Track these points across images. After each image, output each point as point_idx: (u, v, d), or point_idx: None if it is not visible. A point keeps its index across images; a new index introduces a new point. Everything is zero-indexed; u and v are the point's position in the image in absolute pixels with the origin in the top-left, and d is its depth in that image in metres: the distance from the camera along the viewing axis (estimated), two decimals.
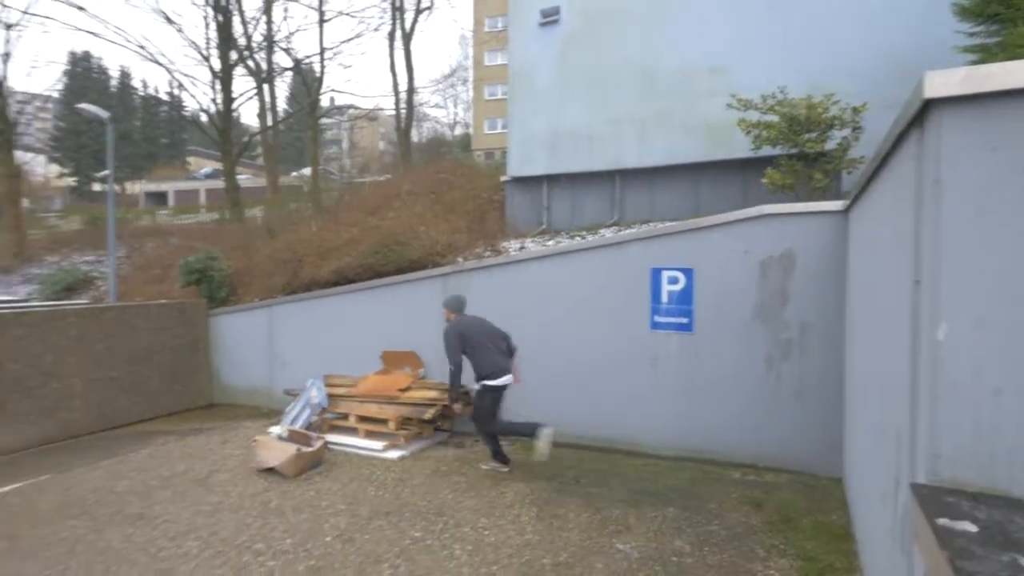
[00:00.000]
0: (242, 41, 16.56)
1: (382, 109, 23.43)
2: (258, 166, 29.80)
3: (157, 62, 26.06)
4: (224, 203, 17.21)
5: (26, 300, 10.45)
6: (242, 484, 5.06)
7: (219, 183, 21.23)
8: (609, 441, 5.78)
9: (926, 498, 1.49)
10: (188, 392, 8.48)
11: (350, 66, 62.88)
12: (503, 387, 5.22)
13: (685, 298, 5.39)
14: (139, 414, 7.76)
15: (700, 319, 5.34)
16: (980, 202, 1.48)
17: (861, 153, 5.71)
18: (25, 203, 19.26)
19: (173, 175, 38.40)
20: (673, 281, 5.44)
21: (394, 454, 5.72)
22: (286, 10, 28.27)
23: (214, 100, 16.09)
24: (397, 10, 17.72)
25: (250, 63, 17.67)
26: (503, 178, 10.32)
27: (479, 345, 5.19)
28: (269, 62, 18.66)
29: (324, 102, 25.15)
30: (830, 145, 5.98)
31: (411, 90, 18.11)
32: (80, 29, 40.88)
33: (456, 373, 5.18)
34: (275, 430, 5.86)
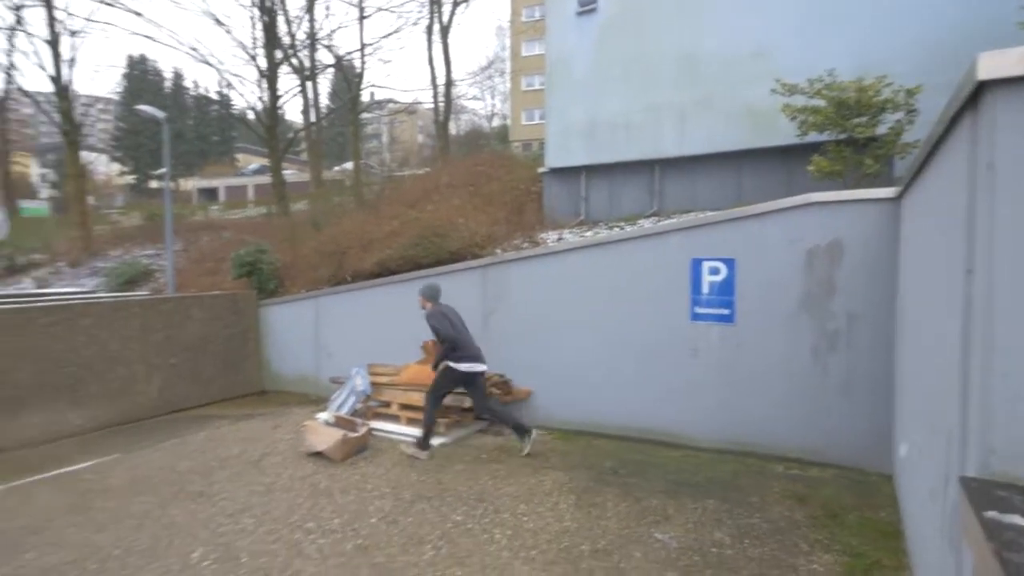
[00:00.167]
0: (286, 40, 17.02)
1: (421, 103, 23.61)
2: (302, 161, 30.68)
3: (208, 63, 27.16)
4: (271, 198, 17.83)
5: (93, 292, 11.15)
6: (292, 467, 5.31)
7: (266, 178, 22.01)
8: (647, 432, 5.77)
9: (975, 492, 1.47)
10: (240, 379, 8.90)
11: (389, 61, 63.75)
12: (470, 373, 5.45)
13: (726, 289, 5.30)
14: (196, 399, 8.21)
15: (742, 310, 5.25)
16: None
17: (916, 137, 5.46)
18: (90, 201, 20.42)
19: (223, 171, 39.97)
20: (714, 272, 5.36)
21: (435, 441, 5.87)
22: (327, 8, 28.97)
23: (261, 98, 16.61)
24: (435, 3, 17.84)
25: (294, 61, 18.15)
26: (541, 169, 10.33)
27: (460, 330, 5.54)
28: (312, 60, 19.10)
29: (364, 97, 25.63)
30: (881, 129, 5.73)
31: (449, 83, 18.25)
32: (137, 34, 42.88)
33: (450, 348, 5.42)
34: (322, 416, 6.10)
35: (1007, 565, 1.12)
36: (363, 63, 18.14)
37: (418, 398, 6.30)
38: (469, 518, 4.12)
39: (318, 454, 5.48)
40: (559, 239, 8.09)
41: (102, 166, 41.04)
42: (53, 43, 15.72)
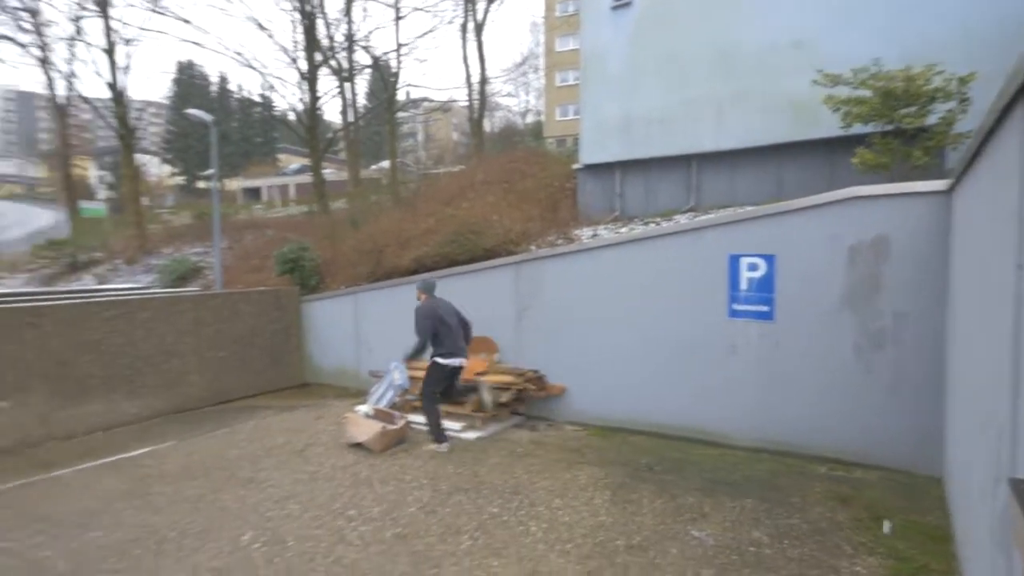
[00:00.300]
0: (325, 42, 17.42)
1: (455, 101, 23.85)
2: (341, 160, 31.38)
3: (251, 67, 28.13)
4: (311, 196, 18.33)
5: (148, 288, 11.73)
6: (334, 457, 5.50)
7: (306, 178, 22.63)
8: (683, 430, 5.72)
9: None
10: (284, 372, 9.22)
11: (425, 60, 64.38)
12: (453, 368, 5.67)
13: (766, 285, 5.20)
14: (243, 390, 8.56)
15: (782, 307, 5.14)
16: None
17: (969, 127, 5.22)
18: (143, 201, 21.43)
19: (265, 171, 41.26)
20: (753, 268, 5.27)
21: (471, 435, 5.98)
22: (365, 10, 29.52)
23: (301, 100, 17.09)
24: (469, 1, 17.96)
25: (333, 63, 18.57)
26: (575, 166, 10.30)
27: (446, 327, 5.62)
28: (350, 61, 19.50)
29: (400, 97, 26.04)
30: (932, 120, 5.49)
31: (483, 80, 18.36)
32: (186, 40, 44.64)
33: (421, 348, 5.58)
34: (362, 408, 6.28)
35: None
36: (399, 63, 18.46)
37: None
38: (505, 510, 4.19)
39: (358, 445, 5.65)
40: (594, 235, 8.07)
41: (154, 168, 42.95)
42: (109, 51, 16.54)
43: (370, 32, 35.29)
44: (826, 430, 4.97)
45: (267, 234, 15.37)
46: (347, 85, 19.38)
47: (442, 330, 5.62)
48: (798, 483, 4.57)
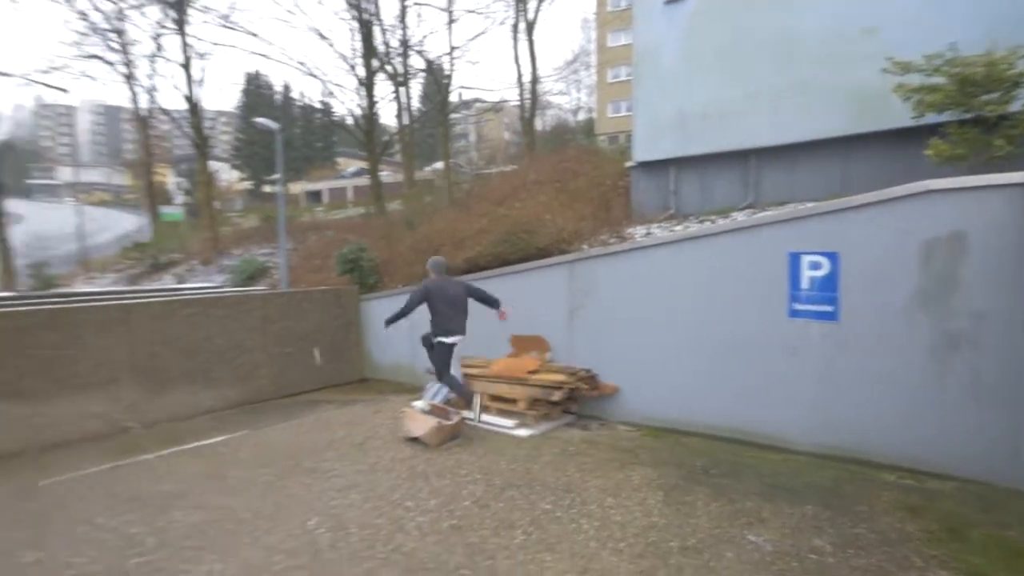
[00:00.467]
0: (382, 48, 17.98)
1: (507, 101, 24.02)
2: (396, 163, 32.27)
3: (313, 75, 29.42)
4: (369, 198, 18.98)
5: (221, 287, 12.52)
6: (392, 450, 5.72)
7: (364, 180, 23.44)
8: (740, 432, 5.58)
9: None
10: (344, 368, 9.63)
11: (477, 62, 65.07)
12: (451, 344, 6.25)
13: (829, 284, 5.00)
14: (306, 385, 9.00)
15: (847, 307, 4.93)
16: None
17: None
18: (216, 205, 22.82)
19: (326, 175, 43.01)
20: (815, 266, 5.07)
21: (524, 432, 6.06)
22: (419, 15, 30.20)
23: (359, 105, 17.75)
24: (520, 1, 18.05)
25: (388, 68, 19.15)
26: (628, 163, 10.19)
27: (439, 308, 6.15)
28: (405, 66, 20.03)
29: (452, 98, 26.48)
30: (1015, 106, 5.11)
31: (535, 79, 18.41)
32: (254, 53, 47.10)
33: (399, 315, 6.18)
34: (418, 404, 6.50)
35: None
36: (452, 66, 18.77)
37: (507, 389, 6.52)
38: (557, 507, 4.24)
39: (415, 439, 5.85)
40: (647, 234, 7.98)
41: (224, 174, 45.60)
42: (186, 66, 17.74)
43: (424, 37, 35.98)
44: (896, 437, 4.73)
45: (328, 235, 16.06)
46: (402, 89, 19.92)
47: (438, 308, 6.14)
48: (864, 491, 4.38)
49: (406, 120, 19.56)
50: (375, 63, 17.46)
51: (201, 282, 14.38)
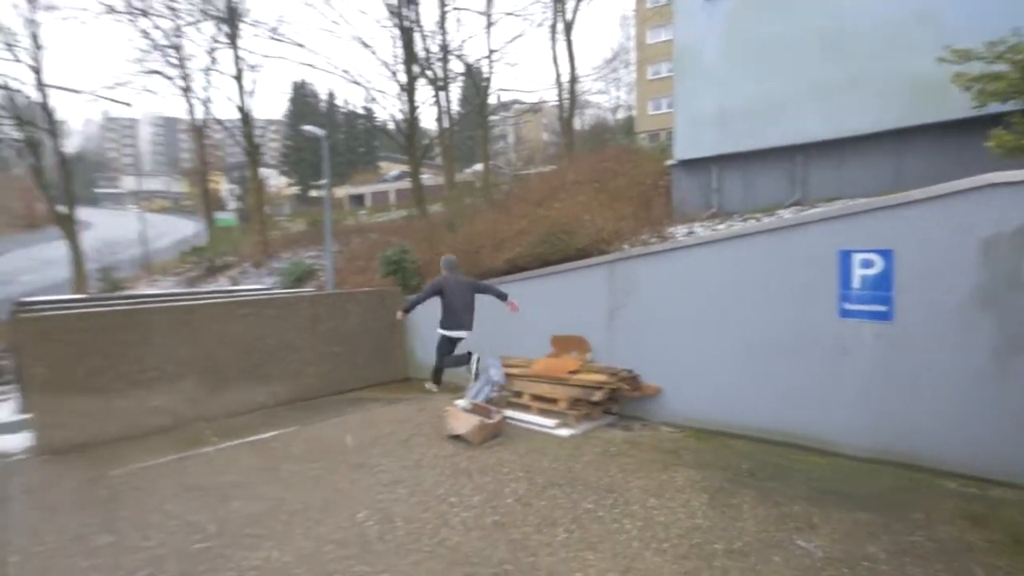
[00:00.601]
0: (422, 54, 18.35)
1: (545, 101, 24.06)
2: (436, 165, 32.81)
3: (357, 83, 30.16)
4: (410, 201, 19.37)
5: (272, 289, 13.05)
6: (436, 447, 5.85)
7: (406, 183, 23.90)
8: (788, 435, 5.44)
9: None
10: (388, 367, 9.87)
11: (516, 64, 65.36)
12: (454, 338, 7.00)
13: (882, 283, 4.83)
14: (353, 383, 9.28)
15: (902, 306, 4.75)
16: None
17: None
18: (266, 210, 23.76)
19: (368, 179, 44.07)
20: (867, 264, 4.90)
21: (565, 432, 6.09)
22: (459, 20, 30.65)
23: (401, 110, 18.17)
24: (558, 1, 18.05)
25: (429, 73, 19.51)
26: (669, 162, 10.07)
27: (448, 303, 6.78)
28: (444, 70, 20.36)
29: (491, 100, 26.71)
30: None
31: (573, 79, 18.38)
32: (301, 63, 48.77)
33: (414, 303, 6.99)
34: (460, 403, 6.61)
35: None
36: (490, 68, 18.96)
37: (548, 389, 6.57)
38: (599, 507, 4.25)
39: (458, 437, 5.96)
40: (689, 233, 7.87)
41: (273, 180, 47.43)
42: (238, 78, 18.55)
43: (463, 41, 36.48)
44: (956, 442, 4.52)
45: (371, 238, 16.49)
46: (442, 94, 20.26)
47: (447, 303, 6.80)
48: (922, 498, 4.21)
49: (446, 123, 19.86)
50: (416, 69, 17.82)
51: (253, 284, 15.02)
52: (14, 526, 4.36)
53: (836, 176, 7.77)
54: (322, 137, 12.81)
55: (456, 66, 27.11)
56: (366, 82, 41.73)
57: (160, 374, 7.08)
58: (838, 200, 7.22)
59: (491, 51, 18.59)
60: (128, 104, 33.93)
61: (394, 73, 18.59)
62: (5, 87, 17.01)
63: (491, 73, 19.02)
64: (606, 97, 45.63)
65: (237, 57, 18.66)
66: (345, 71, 41.21)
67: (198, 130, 23.33)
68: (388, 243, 12.73)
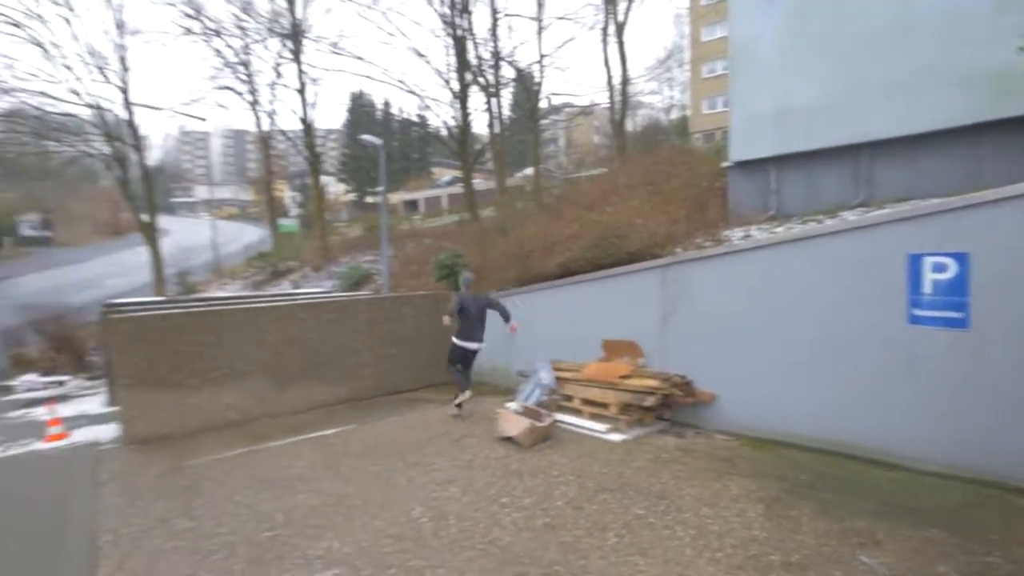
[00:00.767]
0: (474, 61, 18.67)
1: (597, 104, 23.92)
2: (488, 170, 33.24)
3: (412, 92, 31.02)
4: (462, 206, 19.72)
5: (331, 292, 13.61)
6: (487, 448, 5.96)
7: (457, 189, 24.34)
8: (849, 447, 5.21)
9: None
10: (441, 369, 10.07)
11: (567, 68, 65.30)
12: (467, 350, 7.38)
13: (957, 288, 4.56)
14: (407, 384, 9.56)
15: (979, 313, 4.46)
16: None
17: None
18: (325, 217, 24.77)
19: (421, 185, 45.13)
20: (939, 268, 4.64)
21: (616, 437, 6.07)
22: (510, 27, 30.96)
23: (453, 117, 18.57)
24: (610, 3, 17.93)
25: (481, 80, 19.84)
26: (724, 163, 9.82)
27: (464, 316, 7.23)
28: (496, 77, 20.63)
29: (542, 105, 26.80)
30: None
31: (625, 81, 18.19)
32: (359, 75, 50.67)
33: (450, 314, 7.39)
34: (512, 405, 6.70)
35: None
36: (541, 73, 19.04)
37: (599, 394, 6.56)
38: (650, 513, 4.23)
39: (508, 439, 6.05)
40: (745, 236, 7.66)
41: (332, 187, 49.37)
42: (301, 91, 19.49)
43: (515, 48, 36.81)
44: None
45: (425, 242, 16.90)
46: (493, 100, 20.54)
47: (462, 317, 7.22)
48: (999, 517, 3.94)
49: (497, 129, 20.11)
50: (468, 76, 18.17)
51: (313, 287, 15.71)
52: (105, 508, 4.79)
53: (905, 175, 7.35)
54: (379, 145, 13.27)
55: (507, 72, 27.42)
56: (420, 91, 42.86)
57: (230, 372, 7.55)
58: (908, 201, 6.85)
59: (542, 56, 18.69)
60: (203, 119, 36.45)
61: (447, 81, 19.03)
62: (97, 106, 18.60)
63: (542, 77, 19.15)
64: (659, 97, 44.85)
65: (300, 71, 19.65)
66: (400, 81, 42.56)
67: (264, 141, 24.66)
68: (441, 247, 13.04)
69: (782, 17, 8.66)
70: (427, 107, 41.20)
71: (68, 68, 19.82)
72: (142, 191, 20.66)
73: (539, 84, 19.41)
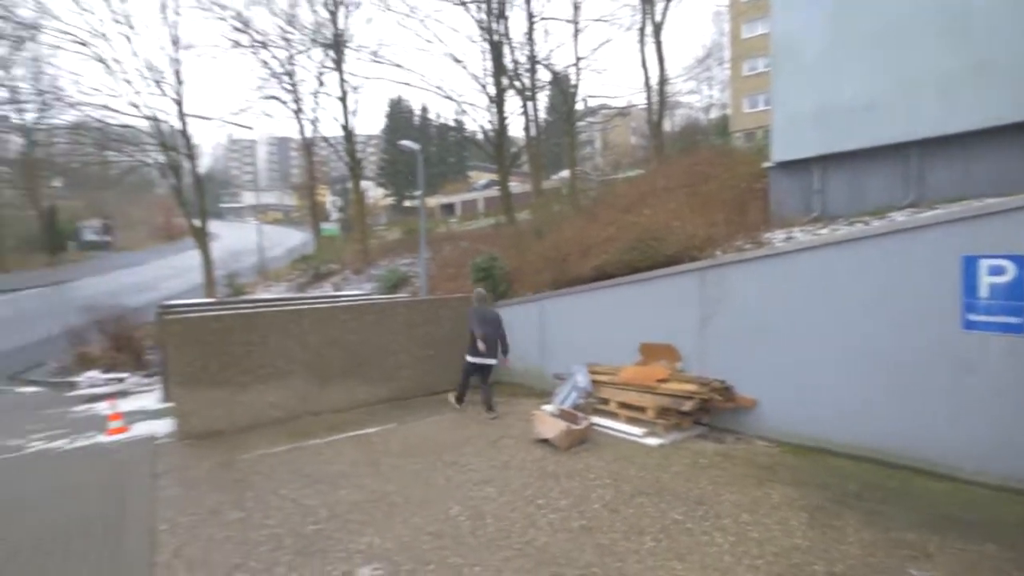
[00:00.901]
0: (510, 66, 18.78)
1: (634, 105, 23.67)
2: (524, 173, 33.32)
3: (449, 97, 31.40)
4: (499, 209, 19.84)
5: (371, 295, 13.94)
6: (524, 450, 6.01)
7: (494, 192, 24.52)
8: (898, 456, 5.02)
9: None
10: None
11: (604, 70, 64.97)
12: (478, 365, 7.72)
13: (1015, 292, 4.35)
14: (444, 385, 9.67)
15: None
16: None
17: None
18: (366, 221, 25.33)
19: (458, 188, 45.62)
20: (996, 271, 4.44)
21: (653, 441, 6.02)
22: (546, 31, 31.00)
23: (490, 121, 18.71)
24: (647, 3, 17.74)
25: (517, 84, 19.93)
26: (765, 164, 9.59)
27: (477, 331, 7.57)
28: (532, 80, 20.69)
29: (578, 107, 26.72)
30: None
31: (663, 81, 17.95)
32: (398, 82, 51.77)
33: (474, 338, 7.63)
34: (548, 408, 6.74)
35: None
36: (578, 76, 19.01)
37: (636, 397, 6.53)
38: (688, 518, 4.20)
39: (545, 441, 6.09)
40: (788, 238, 7.47)
41: (371, 191, 50.45)
42: (343, 99, 20.03)
43: (551, 51, 36.72)
44: None
45: (462, 245, 17.09)
46: (529, 104, 20.61)
47: (474, 332, 7.56)
48: None
49: (533, 132, 20.16)
50: (504, 80, 18.28)
51: (354, 290, 16.11)
52: (162, 499, 5.07)
53: (959, 175, 7.02)
54: (416, 150, 13.53)
55: (543, 75, 27.45)
56: (457, 96, 43.39)
57: (275, 371, 7.84)
58: (961, 201, 6.55)
59: (578, 58, 18.66)
60: (250, 127, 38.03)
61: (484, 86, 19.19)
62: (154, 118, 19.62)
63: (578, 80, 19.11)
64: (698, 97, 44.04)
65: (342, 80, 20.20)
66: (438, 87, 43.18)
67: (307, 148, 25.45)
68: (477, 250, 13.16)
69: (826, 10, 8.41)
70: (464, 112, 41.59)
71: (128, 82, 20.91)
72: (194, 197, 21.64)
73: (575, 86, 19.39)
